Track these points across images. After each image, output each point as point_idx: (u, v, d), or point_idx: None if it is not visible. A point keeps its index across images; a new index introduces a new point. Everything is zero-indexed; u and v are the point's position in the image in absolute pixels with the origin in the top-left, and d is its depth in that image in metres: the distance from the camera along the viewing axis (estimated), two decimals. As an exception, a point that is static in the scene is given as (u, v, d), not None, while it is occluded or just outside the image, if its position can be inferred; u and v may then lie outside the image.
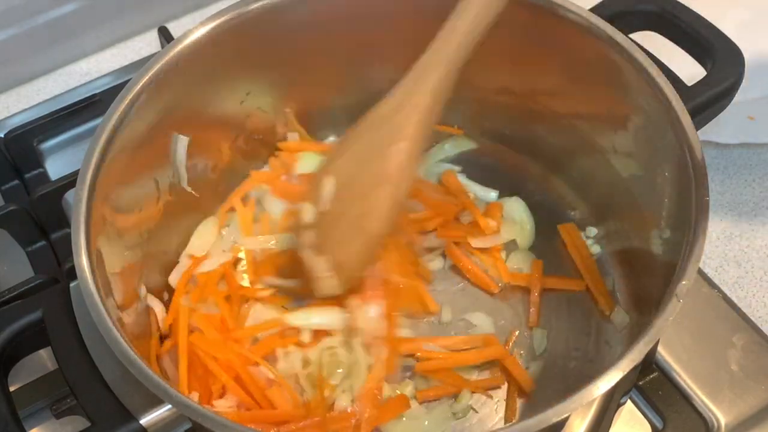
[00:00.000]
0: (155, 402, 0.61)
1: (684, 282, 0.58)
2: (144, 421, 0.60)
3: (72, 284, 0.66)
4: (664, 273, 0.65)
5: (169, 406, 0.59)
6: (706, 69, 0.74)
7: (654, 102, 0.68)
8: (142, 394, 0.59)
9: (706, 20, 0.74)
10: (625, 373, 0.55)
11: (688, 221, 0.62)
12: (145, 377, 0.58)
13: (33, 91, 1.09)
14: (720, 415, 0.73)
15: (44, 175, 0.98)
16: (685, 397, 0.74)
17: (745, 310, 0.79)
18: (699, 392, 0.74)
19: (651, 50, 0.72)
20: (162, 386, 0.57)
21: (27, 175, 0.97)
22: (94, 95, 1.01)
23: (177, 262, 0.81)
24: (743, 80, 0.74)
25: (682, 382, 0.75)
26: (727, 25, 0.77)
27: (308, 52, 0.81)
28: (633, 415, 0.74)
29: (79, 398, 0.62)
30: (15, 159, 0.98)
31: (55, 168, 0.99)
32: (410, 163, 0.69)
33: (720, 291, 0.80)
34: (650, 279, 0.70)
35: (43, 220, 0.89)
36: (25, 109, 1.04)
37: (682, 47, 0.76)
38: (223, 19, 0.74)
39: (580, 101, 0.78)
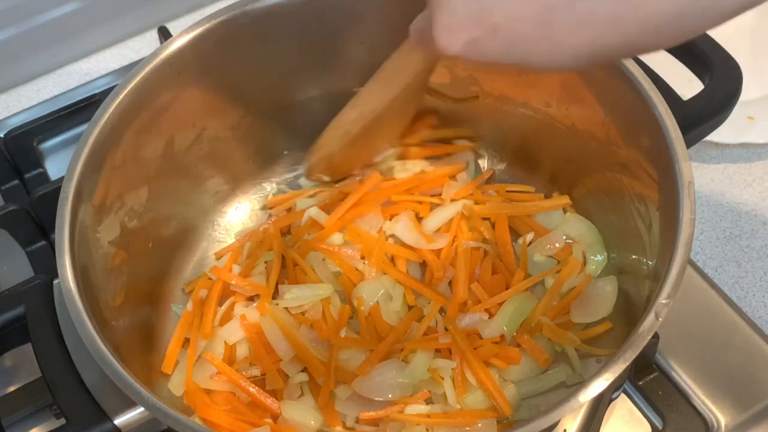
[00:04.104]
0: (131, 403, 0.61)
1: (664, 300, 0.58)
2: (118, 421, 0.61)
3: (55, 281, 0.66)
4: (650, 288, 0.65)
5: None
6: (703, 83, 0.74)
7: (647, 116, 0.67)
8: (118, 394, 0.59)
9: (705, 33, 0.74)
10: (606, 385, 0.54)
11: (673, 240, 0.61)
12: (119, 379, 0.58)
13: (33, 91, 1.09)
14: (720, 415, 0.73)
15: (44, 175, 0.98)
16: (685, 397, 0.74)
17: (745, 310, 0.79)
18: (699, 392, 0.74)
19: (656, 61, 0.72)
20: (136, 388, 0.57)
21: (27, 175, 0.98)
22: (94, 95, 1.01)
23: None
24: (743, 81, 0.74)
25: (682, 382, 0.75)
26: (728, 25, 0.77)
27: (307, 53, 0.81)
28: (633, 415, 0.74)
29: (55, 396, 0.62)
30: (15, 159, 0.98)
31: (55, 168, 0.99)
32: None
33: (720, 291, 0.80)
34: (639, 290, 0.70)
35: (43, 220, 0.89)
36: (25, 109, 1.04)
37: (680, 60, 0.76)
38: (219, 19, 0.74)
39: (576, 115, 0.77)
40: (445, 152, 0.87)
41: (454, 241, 0.80)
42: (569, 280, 0.76)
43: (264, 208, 0.89)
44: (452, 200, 0.83)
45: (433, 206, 0.83)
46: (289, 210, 0.86)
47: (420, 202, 0.83)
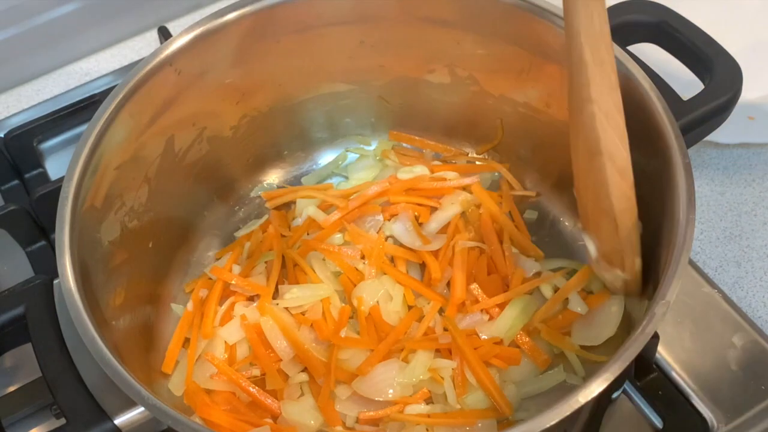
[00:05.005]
0: (131, 403, 0.61)
1: (664, 300, 0.58)
2: (119, 421, 0.61)
3: (55, 281, 0.66)
4: (650, 288, 0.65)
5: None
6: (703, 83, 0.74)
7: (648, 116, 0.67)
8: (118, 394, 0.59)
9: (705, 33, 0.74)
10: (606, 385, 0.54)
11: (673, 240, 0.61)
12: (119, 379, 0.58)
13: (33, 91, 1.09)
14: (720, 415, 0.73)
15: (44, 175, 0.98)
16: (685, 397, 0.74)
17: (745, 310, 0.79)
18: (699, 392, 0.74)
19: (656, 61, 0.72)
20: (136, 388, 0.57)
21: (27, 175, 0.98)
22: (94, 95, 1.02)
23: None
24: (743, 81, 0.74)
25: (682, 382, 0.75)
26: (728, 25, 0.77)
27: (307, 53, 0.81)
28: (633, 415, 0.74)
29: (55, 396, 0.62)
30: (15, 159, 0.98)
31: (55, 168, 0.99)
32: (608, 123, 0.63)
33: (720, 291, 0.80)
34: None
35: (43, 220, 0.89)
36: (25, 109, 1.04)
37: (681, 60, 0.75)
38: (219, 19, 0.75)
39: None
40: (468, 170, 0.87)
41: (451, 242, 0.80)
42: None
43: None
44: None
45: (432, 210, 0.83)
46: (288, 210, 0.87)
47: (420, 204, 0.83)
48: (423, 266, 0.81)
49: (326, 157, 0.91)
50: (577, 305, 0.75)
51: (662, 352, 0.76)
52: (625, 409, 0.74)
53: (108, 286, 0.70)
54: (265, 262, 0.80)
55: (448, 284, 0.78)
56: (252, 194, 0.89)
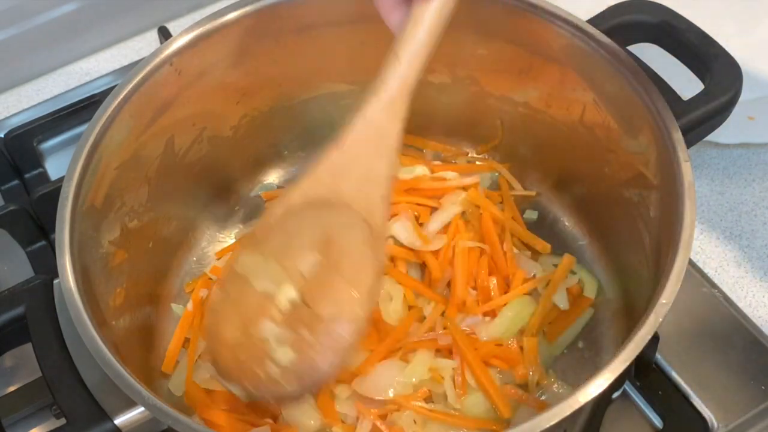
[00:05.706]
0: (131, 403, 0.61)
1: (663, 301, 0.58)
2: (118, 421, 0.61)
3: (55, 281, 0.66)
4: (650, 288, 0.65)
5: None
6: (703, 83, 0.74)
7: (648, 116, 0.67)
8: (119, 394, 0.59)
9: (706, 33, 0.74)
10: (606, 385, 0.55)
11: (674, 240, 0.61)
12: (119, 379, 0.58)
13: (33, 91, 1.09)
14: (720, 415, 0.73)
15: (44, 175, 0.98)
16: (685, 397, 0.74)
17: (745, 310, 0.79)
18: (699, 392, 0.74)
19: (656, 61, 0.72)
20: (136, 388, 0.57)
21: (27, 175, 0.98)
22: (94, 95, 1.01)
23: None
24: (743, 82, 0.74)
25: (682, 382, 0.74)
26: (728, 25, 0.77)
27: (307, 53, 0.81)
28: (633, 415, 0.74)
29: (55, 396, 0.62)
30: (15, 159, 0.98)
31: (55, 168, 0.99)
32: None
33: (720, 291, 0.80)
34: (639, 290, 0.71)
35: (43, 220, 0.89)
36: (25, 109, 1.04)
37: (681, 60, 0.75)
38: (219, 19, 0.75)
39: (576, 115, 0.78)
40: (468, 170, 0.87)
41: (452, 241, 0.80)
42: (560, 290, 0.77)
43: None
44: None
45: (432, 210, 0.83)
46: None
47: (420, 204, 0.83)
48: (423, 266, 0.81)
49: (326, 157, 0.91)
50: (560, 301, 0.76)
51: (662, 352, 0.76)
52: (625, 409, 0.74)
53: (108, 286, 0.70)
54: (265, 262, 0.80)
55: (449, 284, 0.78)
56: (252, 194, 0.89)
